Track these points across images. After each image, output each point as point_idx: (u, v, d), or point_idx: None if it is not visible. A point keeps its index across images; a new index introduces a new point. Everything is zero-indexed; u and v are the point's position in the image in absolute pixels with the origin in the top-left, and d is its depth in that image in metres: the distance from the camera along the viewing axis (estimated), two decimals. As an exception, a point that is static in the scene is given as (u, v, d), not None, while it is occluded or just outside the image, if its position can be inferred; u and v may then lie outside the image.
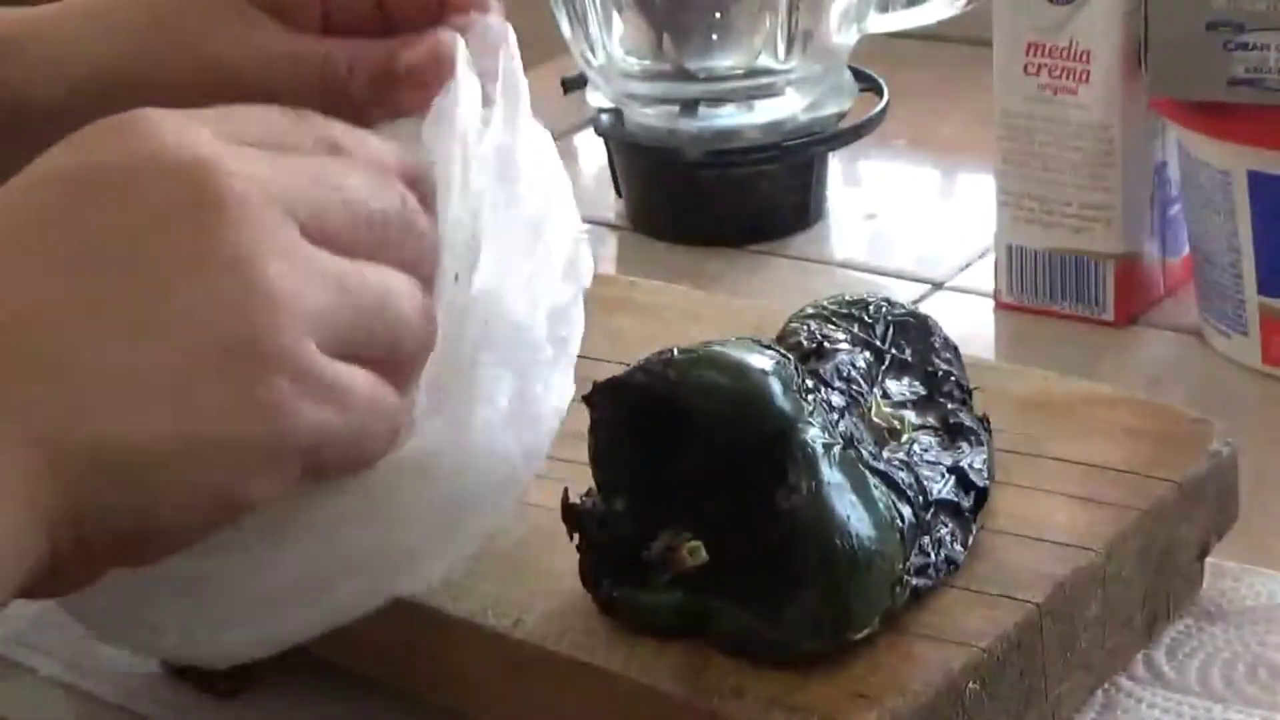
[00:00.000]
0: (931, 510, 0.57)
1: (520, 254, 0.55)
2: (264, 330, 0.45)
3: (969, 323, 0.87)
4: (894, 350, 0.63)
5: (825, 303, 0.65)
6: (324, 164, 0.49)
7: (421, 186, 0.52)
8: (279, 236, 0.46)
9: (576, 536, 0.58)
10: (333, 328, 0.47)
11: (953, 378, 0.64)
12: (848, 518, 0.54)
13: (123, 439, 0.44)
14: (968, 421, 0.62)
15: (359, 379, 0.48)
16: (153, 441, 0.44)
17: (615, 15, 0.99)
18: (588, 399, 0.58)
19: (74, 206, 0.46)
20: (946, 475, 0.59)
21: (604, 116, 1.01)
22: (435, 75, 0.57)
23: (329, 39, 0.61)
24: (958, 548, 0.57)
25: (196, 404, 0.44)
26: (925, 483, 0.58)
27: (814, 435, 0.55)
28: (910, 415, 0.61)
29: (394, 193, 0.50)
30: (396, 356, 0.49)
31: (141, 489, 0.44)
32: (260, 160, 0.47)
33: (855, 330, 0.63)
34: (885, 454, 0.58)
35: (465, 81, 0.56)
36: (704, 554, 0.55)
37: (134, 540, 0.45)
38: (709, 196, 0.98)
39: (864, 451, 0.57)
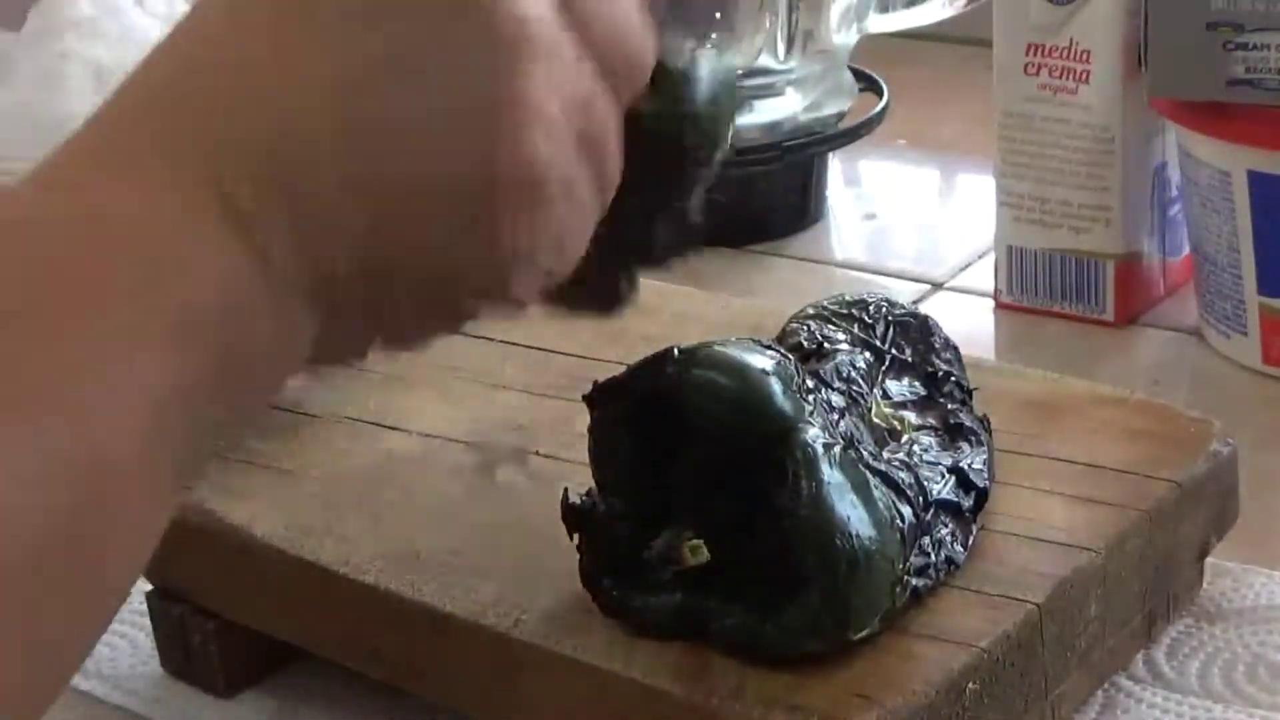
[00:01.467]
0: (932, 510, 0.57)
1: None
2: (523, 96, 0.44)
3: (969, 323, 0.87)
4: (894, 350, 0.63)
5: (825, 303, 0.65)
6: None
7: None
8: (555, 67, 0.44)
9: (576, 536, 0.58)
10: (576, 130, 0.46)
11: (953, 378, 0.64)
12: (848, 518, 0.54)
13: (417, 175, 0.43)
14: (968, 422, 0.62)
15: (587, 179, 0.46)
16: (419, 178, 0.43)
17: (615, 15, 0.99)
18: (588, 399, 0.58)
19: None
20: (947, 475, 0.59)
21: (604, 116, 1.01)
22: None
23: None
24: (958, 548, 0.57)
25: (448, 149, 0.43)
26: (925, 483, 0.58)
27: (814, 435, 0.55)
28: (910, 415, 0.61)
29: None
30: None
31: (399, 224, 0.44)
32: None
33: (855, 330, 0.63)
34: (885, 454, 0.58)
35: None
36: (705, 553, 0.55)
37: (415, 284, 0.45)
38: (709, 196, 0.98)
39: (864, 452, 0.57)
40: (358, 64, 0.43)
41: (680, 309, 0.74)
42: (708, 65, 0.53)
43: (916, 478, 0.58)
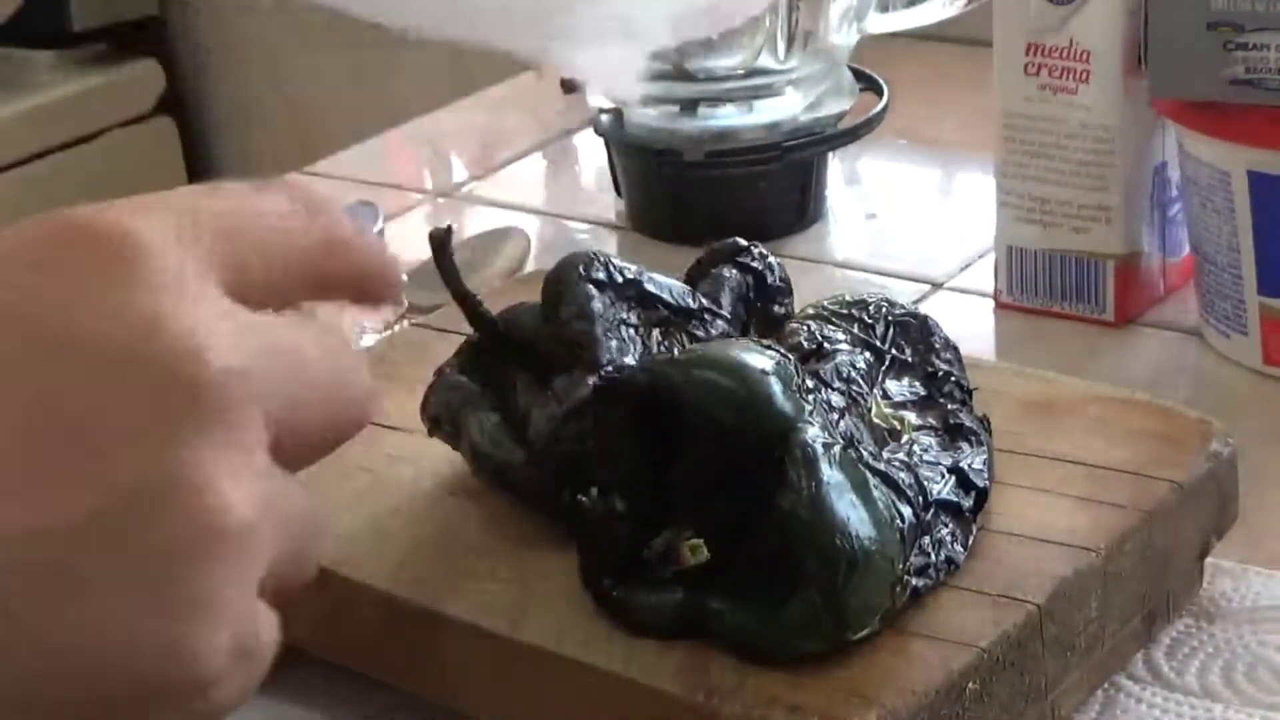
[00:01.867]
0: (931, 510, 0.57)
1: None
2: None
3: (969, 323, 0.87)
4: (894, 350, 0.63)
5: (825, 303, 0.65)
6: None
7: None
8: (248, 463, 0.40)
9: (576, 536, 0.58)
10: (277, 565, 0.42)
11: (953, 378, 0.64)
12: (847, 518, 0.54)
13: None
14: (968, 422, 0.62)
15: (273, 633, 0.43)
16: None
17: (615, 15, 0.99)
18: (588, 398, 0.58)
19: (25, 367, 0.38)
20: (947, 475, 0.59)
21: (604, 116, 1.01)
22: None
23: None
24: (958, 548, 0.57)
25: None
26: (925, 483, 0.58)
27: (814, 435, 0.54)
28: (910, 416, 0.61)
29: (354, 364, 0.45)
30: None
31: None
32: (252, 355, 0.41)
33: (855, 330, 0.63)
34: (885, 454, 0.58)
35: None
36: (705, 552, 0.55)
37: None
38: (709, 196, 0.98)
39: (864, 452, 0.57)
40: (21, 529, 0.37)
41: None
42: None
43: (916, 478, 0.58)
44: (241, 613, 0.40)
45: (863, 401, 0.60)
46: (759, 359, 0.56)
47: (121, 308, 0.39)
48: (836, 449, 0.55)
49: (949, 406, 0.62)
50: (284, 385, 0.41)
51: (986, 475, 0.60)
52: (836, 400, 0.58)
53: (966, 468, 0.60)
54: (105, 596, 0.38)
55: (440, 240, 0.62)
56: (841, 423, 0.57)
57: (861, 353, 0.62)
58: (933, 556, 0.56)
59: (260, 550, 0.40)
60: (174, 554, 0.38)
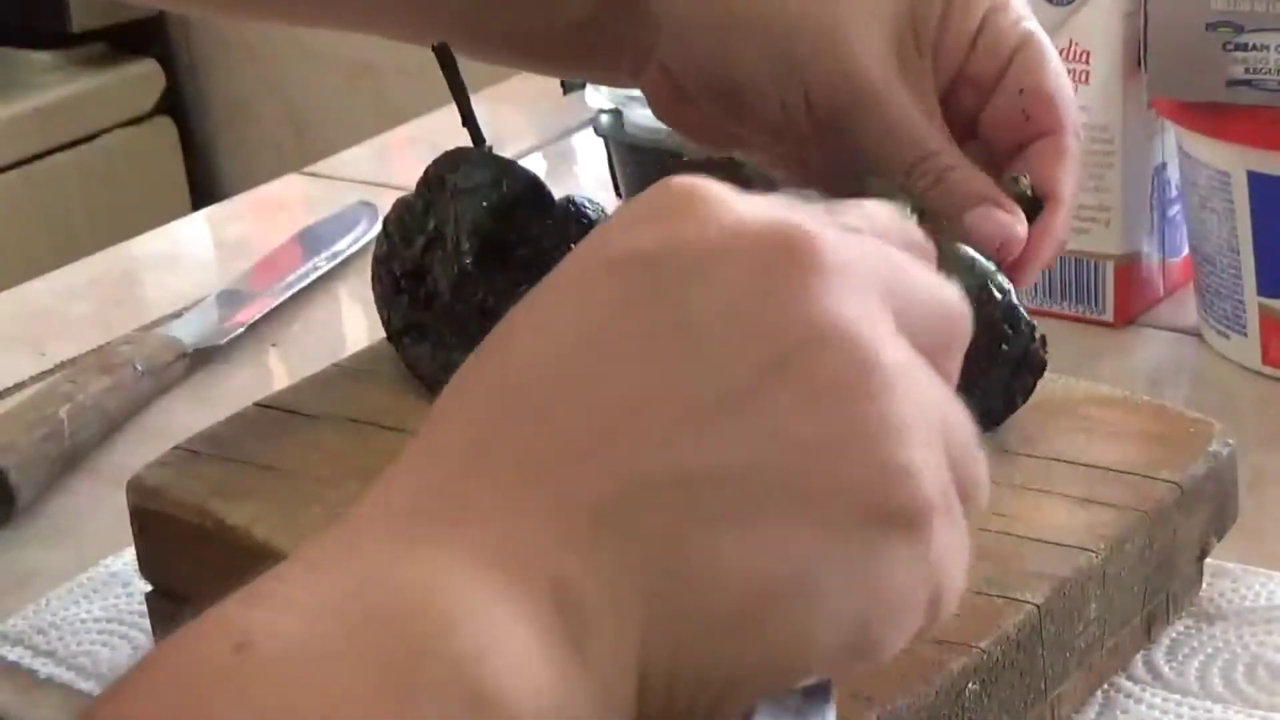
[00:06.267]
0: None
1: None
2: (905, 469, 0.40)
3: (969, 323, 0.87)
4: None
5: None
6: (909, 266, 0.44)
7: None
8: (892, 355, 0.41)
9: None
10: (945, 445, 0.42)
11: None
12: None
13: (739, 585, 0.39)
14: None
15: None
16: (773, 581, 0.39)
17: (615, 15, 0.99)
18: None
19: (653, 294, 0.40)
20: None
21: (604, 116, 1.01)
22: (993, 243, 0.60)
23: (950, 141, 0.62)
24: None
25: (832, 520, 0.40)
26: None
27: None
28: None
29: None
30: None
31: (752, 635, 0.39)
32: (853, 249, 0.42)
33: None
34: None
35: None
36: None
37: (727, 692, 0.40)
38: (709, 197, 0.98)
39: None
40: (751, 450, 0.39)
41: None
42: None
43: None
44: (927, 444, 0.41)
45: None
46: None
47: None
48: None
49: None
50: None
51: None
52: None
53: None
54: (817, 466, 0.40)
55: (446, 52, 0.65)
56: None
57: None
58: None
59: (919, 389, 0.42)
60: (846, 399, 0.40)
